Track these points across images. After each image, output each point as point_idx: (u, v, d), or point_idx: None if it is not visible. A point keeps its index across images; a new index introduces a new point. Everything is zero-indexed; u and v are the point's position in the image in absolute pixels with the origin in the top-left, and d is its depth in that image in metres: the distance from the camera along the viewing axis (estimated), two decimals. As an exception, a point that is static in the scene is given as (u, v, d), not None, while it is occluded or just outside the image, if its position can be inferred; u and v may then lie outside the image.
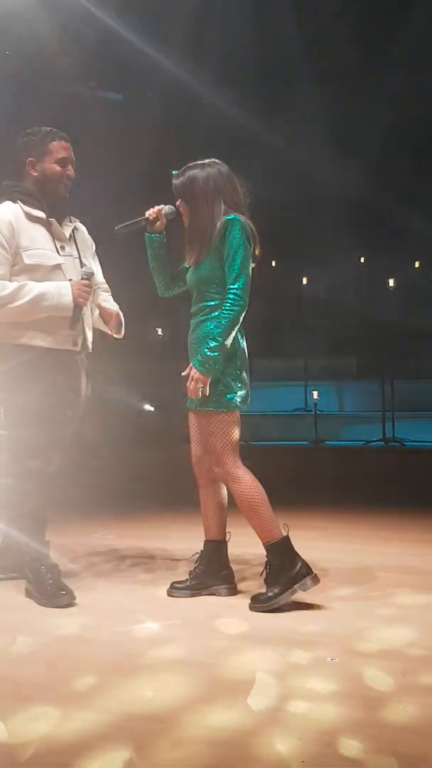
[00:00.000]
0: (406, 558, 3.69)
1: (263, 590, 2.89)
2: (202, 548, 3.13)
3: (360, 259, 9.89)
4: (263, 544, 2.91)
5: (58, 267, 3.00)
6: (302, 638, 2.56)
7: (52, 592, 2.97)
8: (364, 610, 2.87)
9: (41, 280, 2.97)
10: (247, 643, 2.54)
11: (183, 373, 2.89)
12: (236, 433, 2.93)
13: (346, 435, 7.74)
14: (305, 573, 2.85)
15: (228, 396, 2.88)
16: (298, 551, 2.91)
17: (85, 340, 3.13)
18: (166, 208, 3.06)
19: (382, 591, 3.12)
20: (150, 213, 3.05)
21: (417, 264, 9.58)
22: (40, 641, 2.59)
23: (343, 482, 6.25)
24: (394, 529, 4.45)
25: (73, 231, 3.14)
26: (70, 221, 3.18)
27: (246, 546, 3.38)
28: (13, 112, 7.79)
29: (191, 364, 2.87)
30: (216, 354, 2.80)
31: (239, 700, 2.10)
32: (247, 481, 2.89)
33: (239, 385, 2.91)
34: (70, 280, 3.01)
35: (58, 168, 3.03)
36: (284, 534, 2.89)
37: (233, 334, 2.83)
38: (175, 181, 2.94)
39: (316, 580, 2.87)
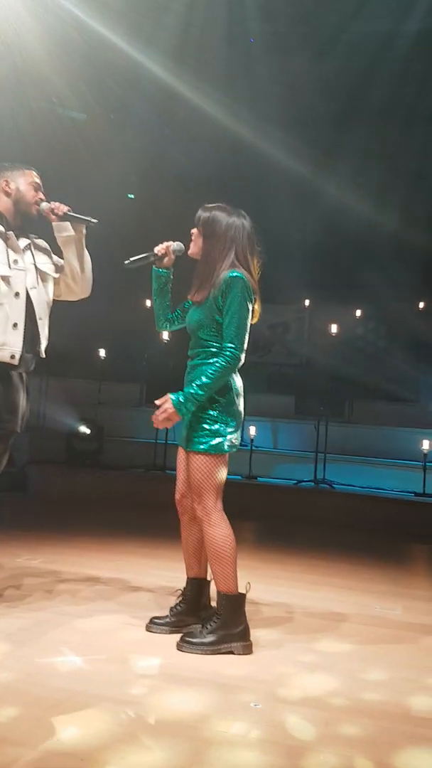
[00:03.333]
0: (332, 604, 3.74)
1: (196, 630, 2.89)
2: (184, 585, 3.12)
3: (305, 302, 10.10)
4: (218, 590, 2.90)
5: (5, 278, 3.06)
6: (226, 681, 2.57)
7: None
8: (288, 655, 2.90)
9: None
10: (171, 684, 2.53)
11: (157, 401, 2.88)
12: (222, 476, 2.92)
13: (279, 473, 7.83)
14: (242, 637, 2.87)
15: (215, 438, 2.88)
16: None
17: (23, 355, 3.09)
18: (174, 245, 3.14)
19: (306, 636, 3.16)
20: (159, 249, 3.14)
21: (359, 313, 9.86)
22: (-41, 668, 2.51)
23: (273, 521, 6.32)
24: (322, 573, 4.51)
25: (29, 245, 3.21)
26: (29, 238, 3.24)
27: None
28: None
29: (167, 395, 2.87)
30: (196, 399, 2.83)
31: (161, 741, 2.09)
32: (221, 529, 2.88)
33: (230, 428, 2.91)
34: (17, 294, 3.06)
35: (32, 190, 3.21)
36: (243, 592, 2.90)
37: (220, 386, 2.87)
38: (200, 213, 3.01)
39: (248, 649, 2.86)
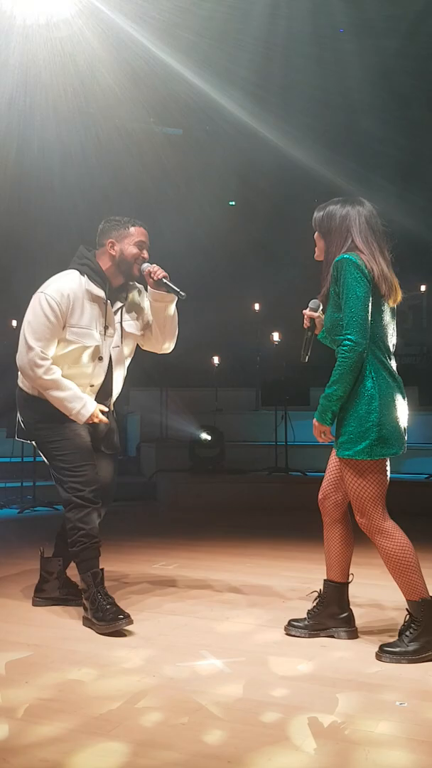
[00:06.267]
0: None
1: (393, 639, 2.76)
2: (321, 587, 3.01)
3: (421, 287, 9.79)
4: (407, 599, 2.75)
5: (93, 348, 3.23)
6: (368, 680, 2.52)
7: (110, 616, 3.03)
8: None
9: (74, 355, 3.20)
10: (313, 685, 2.51)
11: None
12: (383, 483, 2.74)
13: (408, 467, 7.59)
14: None
15: (363, 442, 2.67)
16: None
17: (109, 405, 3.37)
18: (311, 306, 2.99)
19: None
20: (306, 323, 3.00)
21: None
22: (106, 674, 2.61)
23: (408, 517, 6.10)
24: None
25: (121, 307, 3.33)
26: (125, 297, 3.36)
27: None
28: (75, 147, 8.06)
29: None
30: (330, 402, 2.69)
31: (307, 742, 2.08)
32: (396, 538, 2.71)
33: (385, 430, 2.69)
34: (101, 358, 3.26)
35: (135, 249, 3.28)
36: None
37: (350, 381, 2.67)
38: (315, 214, 2.87)
39: None
